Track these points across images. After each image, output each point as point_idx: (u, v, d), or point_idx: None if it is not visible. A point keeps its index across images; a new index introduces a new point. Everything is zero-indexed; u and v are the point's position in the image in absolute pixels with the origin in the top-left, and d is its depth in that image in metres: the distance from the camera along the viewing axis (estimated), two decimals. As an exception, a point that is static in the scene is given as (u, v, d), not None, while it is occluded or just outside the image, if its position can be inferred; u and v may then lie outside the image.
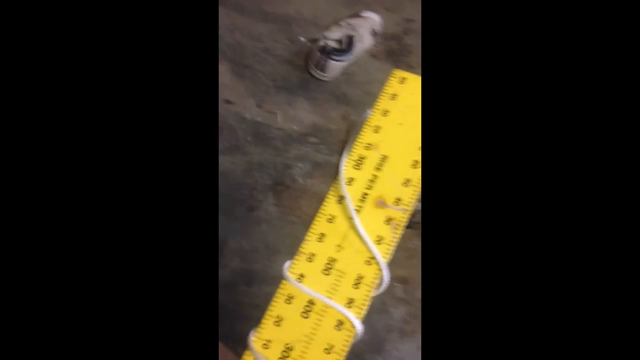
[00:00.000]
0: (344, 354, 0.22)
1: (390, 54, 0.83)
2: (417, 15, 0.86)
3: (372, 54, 0.83)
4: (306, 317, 0.23)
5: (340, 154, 0.26)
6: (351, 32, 0.77)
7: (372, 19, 0.81)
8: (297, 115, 0.77)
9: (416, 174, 0.24)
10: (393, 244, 0.24)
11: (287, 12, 0.85)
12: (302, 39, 0.82)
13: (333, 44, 0.77)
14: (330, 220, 0.24)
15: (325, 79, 0.78)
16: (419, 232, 0.68)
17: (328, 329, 0.22)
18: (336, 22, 0.81)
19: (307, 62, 0.79)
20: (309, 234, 0.24)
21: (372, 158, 0.25)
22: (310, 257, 0.24)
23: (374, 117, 0.26)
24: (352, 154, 0.25)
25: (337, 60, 0.77)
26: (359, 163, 0.25)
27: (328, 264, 0.24)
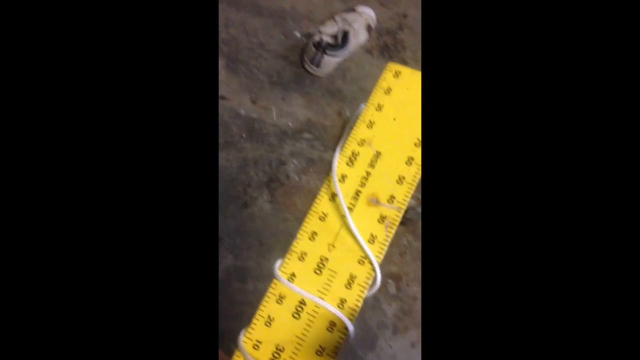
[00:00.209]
0: (336, 355, 0.21)
1: (384, 49, 0.83)
2: (412, 10, 0.86)
3: (367, 50, 0.82)
4: (297, 318, 0.22)
5: (334, 150, 0.25)
6: (346, 28, 0.77)
7: (367, 14, 0.80)
8: (292, 111, 0.76)
9: (410, 172, 0.24)
10: (386, 243, 0.23)
11: (282, 7, 0.84)
12: (297, 34, 0.81)
13: (328, 39, 0.76)
14: (322, 218, 0.24)
15: (320, 74, 0.78)
16: (411, 228, 0.68)
17: (320, 330, 0.22)
18: (331, 17, 0.80)
19: (302, 57, 0.78)
20: (301, 232, 0.24)
21: (366, 154, 0.25)
22: (302, 256, 0.23)
23: (368, 112, 0.25)
24: (345, 150, 0.25)
25: (332, 56, 0.76)
26: (352, 159, 0.25)
27: (320, 263, 0.23)
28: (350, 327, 0.22)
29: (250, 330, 0.22)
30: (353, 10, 0.84)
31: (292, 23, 0.83)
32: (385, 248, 0.23)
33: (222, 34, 0.80)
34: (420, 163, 0.24)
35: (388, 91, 0.26)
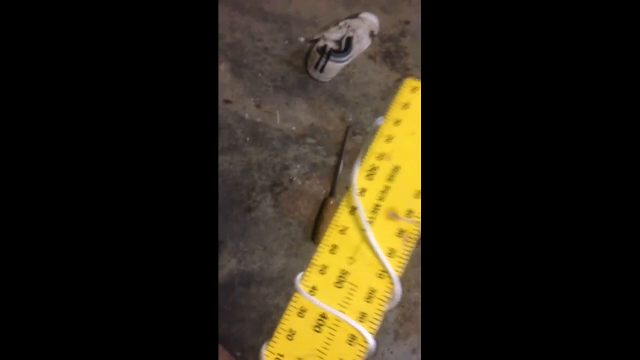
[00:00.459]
0: (357, 369, 0.22)
1: (387, 55, 0.83)
2: (414, 18, 0.87)
3: (370, 56, 0.83)
4: (319, 332, 0.22)
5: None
6: (350, 34, 0.77)
7: (370, 21, 0.81)
8: (296, 116, 0.77)
9: (429, 187, 0.24)
10: (405, 257, 0.23)
11: (287, 12, 0.84)
12: (302, 39, 0.81)
13: (332, 45, 0.76)
14: (343, 231, 0.24)
15: (324, 80, 0.78)
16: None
17: (340, 344, 0.22)
18: (335, 23, 0.81)
19: (306, 63, 0.79)
20: (322, 245, 0.24)
21: (385, 169, 0.25)
22: (323, 270, 0.24)
23: (386, 127, 0.26)
24: (365, 164, 0.25)
25: (335, 62, 0.76)
26: (371, 173, 0.25)
27: (340, 276, 0.23)
28: (371, 340, 0.22)
29: (272, 344, 0.23)
30: (357, 17, 0.84)
31: (297, 29, 0.83)
32: (405, 262, 0.23)
33: (228, 38, 0.80)
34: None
35: (406, 106, 0.26)
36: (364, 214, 0.24)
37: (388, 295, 0.23)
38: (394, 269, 0.23)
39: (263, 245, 0.69)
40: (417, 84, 0.27)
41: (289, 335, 0.23)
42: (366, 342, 0.22)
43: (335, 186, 0.69)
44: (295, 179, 0.73)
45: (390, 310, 0.67)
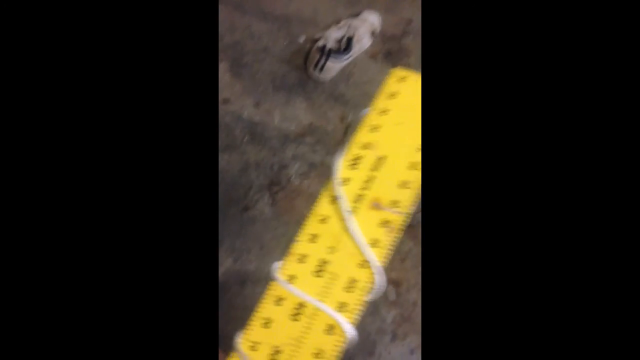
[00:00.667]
0: (334, 359, 0.21)
1: (388, 54, 0.83)
2: (416, 16, 0.86)
3: (371, 55, 0.82)
4: (296, 320, 0.22)
5: (337, 154, 0.25)
6: (350, 33, 0.77)
7: (371, 20, 0.81)
8: (295, 115, 0.76)
9: (415, 176, 0.23)
10: (388, 247, 0.23)
11: (287, 12, 0.85)
12: (302, 39, 0.82)
13: (332, 45, 0.76)
14: (323, 220, 0.24)
15: (324, 79, 0.78)
16: (412, 234, 0.68)
17: (318, 333, 0.22)
18: (335, 22, 0.81)
19: (306, 62, 0.79)
20: (301, 234, 0.24)
21: (369, 158, 0.24)
22: (302, 258, 0.23)
23: (372, 116, 0.25)
24: (348, 153, 0.25)
25: (335, 61, 0.76)
26: (354, 163, 0.24)
27: (320, 265, 0.23)
28: (350, 330, 0.22)
29: (247, 331, 0.22)
30: (357, 16, 0.84)
31: (297, 28, 0.83)
32: (388, 252, 0.23)
33: (227, 38, 0.81)
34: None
35: (393, 96, 0.26)
36: (345, 202, 0.24)
37: (369, 285, 0.23)
38: (377, 259, 0.23)
39: (259, 244, 0.69)
40: (405, 73, 0.26)
41: (264, 323, 0.22)
42: (345, 332, 0.22)
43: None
44: (293, 178, 0.73)
45: (388, 311, 0.66)
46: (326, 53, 0.75)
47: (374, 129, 0.25)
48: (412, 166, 0.24)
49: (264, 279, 0.23)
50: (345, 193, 0.24)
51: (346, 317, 0.22)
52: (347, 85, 0.79)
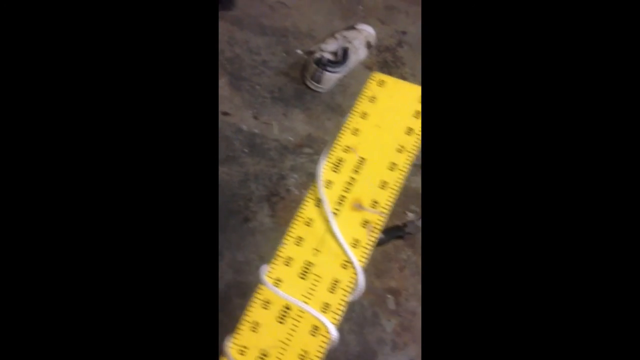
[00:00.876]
0: (318, 360, 0.21)
1: (384, 65, 0.84)
2: (411, 28, 0.88)
3: (367, 66, 0.84)
4: (282, 323, 0.22)
5: (320, 158, 0.26)
6: (346, 45, 0.78)
7: (367, 32, 0.82)
8: (293, 126, 0.78)
9: (393, 177, 0.24)
10: (369, 247, 0.23)
11: (284, 26, 0.87)
12: (299, 51, 0.83)
13: (328, 56, 0.78)
14: (308, 223, 0.24)
15: (321, 90, 0.79)
16: (410, 242, 0.68)
17: (303, 335, 0.22)
18: (332, 35, 0.82)
19: (303, 74, 0.80)
20: (287, 237, 0.24)
21: (351, 161, 0.25)
22: (288, 261, 0.24)
23: (353, 120, 0.26)
24: (331, 156, 0.25)
25: (332, 72, 0.77)
26: (337, 165, 0.25)
27: (305, 267, 0.23)
28: (334, 331, 0.22)
29: (236, 335, 0.23)
30: (353, 28, 0.86)
31: (294, 41, 0.85)
32: (368, 252, 0.23)
33: (226, 52, 0.83)
34: (403, 169, 0.24)
35: (372, 99, 0.26)
36: (328, 205, 0.24)
37: (351, 285, 0.23)
38: (358, 259, 0.23)
39: (259, 255, 0.69)
40: (384, 77, 0.27)
41: (252, 327, 0.22)
42: (329, 332, 0.22)
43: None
44: (292, 188, 0.73)
45: (388, 320, 0.65)
46: (323, 64, 0.76)
47: (355, 132, 0.26)
48: (391, 167, 0.24)
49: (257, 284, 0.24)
50: (328, 196, 0.24)
51: (330, 318, 0.22)
52: (344, 95, 0.80)
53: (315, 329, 0.22)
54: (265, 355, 0.22)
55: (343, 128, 0.26)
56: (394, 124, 0.25)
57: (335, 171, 0.25)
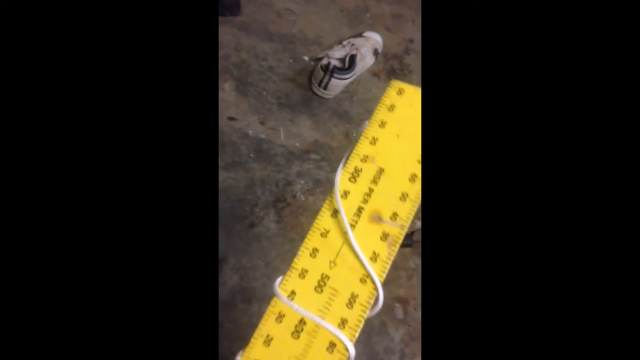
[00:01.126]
0: (335, 378, 0.21)
1: (391, 72, 0.84)
2: (417, 35, 0.88)
3: (374, 73, 0.83)
4: (297, 338, 0.21)
5: (337, 167, 0.25)
6: (353, 52, 0.78)
7: (374, 39, 0.82)
8: (299, 132, 0.77)
9: (414, 189, 0.23)
10: (389, 261, 0.22)
11: (291, 32, 0.87)
12: (306, 57, 0.83)
13: (336, 63, 0.78)
14: (324, 234, 0.23)
15: (328, 96, 0.79)
16: (418, 251, 0.67)
17: (319, 351, 0.21)
18: (339, 42, 0.82)
19: (310, 80, 0.80)
20: (302, 248, 0.23)
21: (369, 171, 0.24)
22: (303, 274, 0.23)
23: (371, 129, 0.26)
24: (348, 166, 0.25)
25: (339, 79, 0.77)
26: (354, 176, 0.24)
27: (321, 281, 0.23)
28: (351, 348, 0.21)
29: (248, 349, 0.22)
30: (361, 35, 0.86)
31: (301, 47, 0.85)
32: (388, 267, 0.23)
33: (233, 58, 0.83)
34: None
35: (391, 108, 0.26)
36: (345, 216, 0.23)
37: (370, 301, 0.22)
38: (377, 273, 0.22)
39: (265, 261, 0.69)
40: (403, 85, 0.27)
41: (265, 341, 0.22)
42: (346, 349, 0.21)
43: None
44: (298, 194, 0.73)
45: (396, 329, 0.65)
46: (330, 71, 0.76)
47: (373, 141, 0.25)
48: (411, 178, 0.24)
49: (270, 297, 0.23)
50: (345, 206, 0.24)
51: (347, 334, 0.21)
52: (351, 102, 0.80)
53: (332, 346, 0.21)
54: (279, 371, 0.21)
55: (361, 137, 0.26)
56: (414, 134, 0.24)
57: (352, 181, 0.24)
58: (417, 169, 0.24)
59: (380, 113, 0.26)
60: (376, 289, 0.22)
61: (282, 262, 0.67)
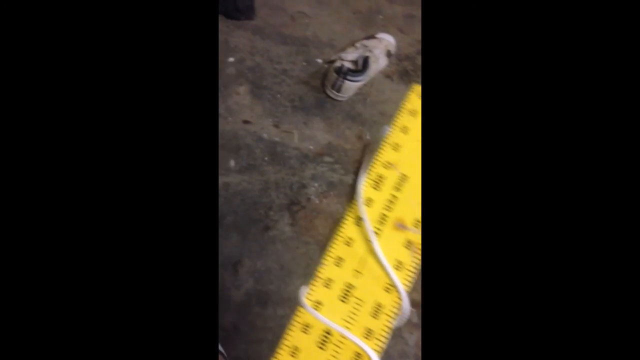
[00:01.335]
0: (362, 389, 0.20)
1: (404, 74, 0.83)
2: (433, 36, 0.86)
3: (387, 75, 0.83)
4: (323, 349, 0.21)
5: (355, 173, 0.25)
6: (366, 54, 0.78)
7: (387, 41, 0.82)
8: (313, 134, 0.77)
9: (438, 196, 0.23)
10: (413, 269, 0.22)
11: (304, 35, 0.87)
12: (319, 60, 0.83)
13: (349, 65, 0.77)
14: (348, 243, 0.23)
15: (341, 99, 0.79)
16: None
17: (345, 361, 0.21)
18: (352, 44, 0.82)
19: (324, 82, 0.80)
20: (327, 257, 0.23)
21: (392, 177, 0.24)
22: (328, 283, 0.23)
23: (393, 134, 0.25)
24: (371, 173, 0.25)
25: (352, 81, 0.77)
26: (377, 183, 0.24)
27: (346, 290, 0.22)
28: (376, 359, 0.21)
29: None
30: (373, 37, 0.85)
31: (315, 50, 0.85)
32: (413, 275, 0.22)
33: (247, 61, 0.83)
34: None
35: (414, 113, 0.25)
36: (369, 224, 0.23)
37: (395, 310, 0.22)
38: (402, 282, 0.22)
39: (280, 264, 0.69)
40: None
41: (292, 352, 0.22)
42: (372, 360, 0.21)
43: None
44: (312, 197, 0.73)
45: (411, 333, 0.64)
46: (343, 73, 0.76)
47: (396, 147, 0.25)
48: (437, 186, 0.23)
49: (286, 300, 0.23)
50: (369, 214, 0.23)
51: (372, 345, 0.21)
52: (364, 104, 0.79)
53: (358, 356, 0.21)
54: (305, 381, 0.21)
55: (383, 143, 0.25)
56: (437, 141, 0.24)
57: (375, 188, 0.24)
58: (443, 177, 0.23)
59: (403, 118, 0.26)
60: (401, 298, 0.22)
61: (297, 265, 0.67)
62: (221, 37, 0.83)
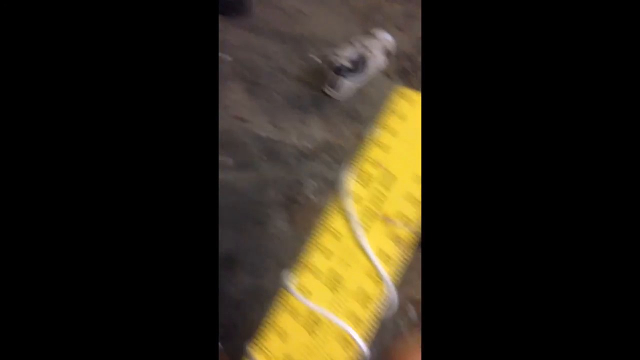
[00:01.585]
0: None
1: (403, 73, 0.84)
2: (431, 35, 0.87)
3: (385, 73, 0.83)
4: (311, 333, 0.22)
5: (345, 169, 0.25)
6: (365, 53, 0.78)
7: (386, 39, 0.82)
8: (310, 132, 0.78)
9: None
10: (400, 263, 0.23)
11: (301, 32, 0.87)
12: (317, 58, 0.83)
13: (347, 64, 0.78)
14: (336, 235, 0.24)
15: (338, 97, 0.79)
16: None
17: (333, 347, 0.22)
18: (350, 42, 0.82)
19: (321, 81, 0.80)
20: (313, 247, 0.24)
21: (379, 175, 0.25)
22: (316, 272, 0.23)
23: (379, 132, 0.26)
24: (358, 168, 0.25)
25: (350, 80, 0.77)
26: (365, 179, 0.25)
27: (334, 280, 0.23)
28: (364, 346, 0.21)
29: (260, 339, 0.23)
30: (371, 35, 0.86)
31: (312, 48, 0.85)
32: (400, 269, 0.23)
33: (244, 59, 0.83)
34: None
35: (403, 118, 0.26)
36: (356, 217, 0.24)
37: (383, 302, 0.22)
38: (390, 275, 0.23)
39: (277, 261, 0.69)
40: (415, 96, 0.27)
41: (280, 333, 0.22)
42: (360, 348, 0.21)
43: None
44: (309, 195, 0.73)
45: (410, 331, 0.64)
46: (341, 72, 0.76)
47: (384, 148, 0.25)
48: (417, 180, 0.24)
49: (282, 292, 0.24)
50: (357, 209, 0.24)
51: (360, 332, 0.22)
52: (362, 103, 0.80)
53: (346, 343, 0.22)
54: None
55: (370, 142, 0.26)
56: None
57: (363, 185, 0.25)
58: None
59: (391, 120, 0.26)
60: (389, 290, 0.22)
61: (294, 262, 0.68)
62: (219, 35, 0.84)
